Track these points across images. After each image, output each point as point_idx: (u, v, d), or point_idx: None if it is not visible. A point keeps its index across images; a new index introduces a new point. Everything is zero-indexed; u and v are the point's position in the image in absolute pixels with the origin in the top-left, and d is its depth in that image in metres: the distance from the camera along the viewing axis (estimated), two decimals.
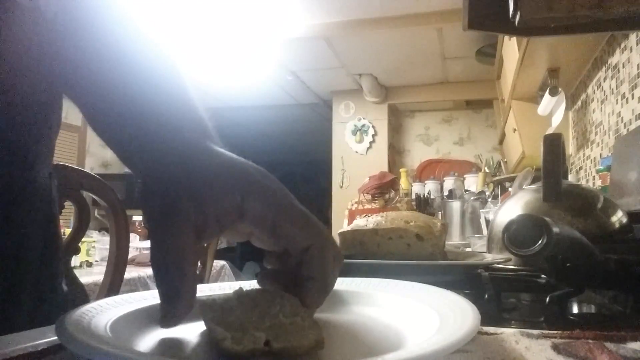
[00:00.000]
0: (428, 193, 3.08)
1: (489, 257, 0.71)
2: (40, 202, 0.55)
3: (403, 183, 3.33)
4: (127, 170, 4.67)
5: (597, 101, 1.84)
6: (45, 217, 0.57)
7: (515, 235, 0.45)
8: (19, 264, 0.53)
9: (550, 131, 2.00)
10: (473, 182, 3.32)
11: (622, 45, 1.53)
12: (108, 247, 1.39)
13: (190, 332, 0.34)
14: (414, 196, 3.17)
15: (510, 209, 0.83)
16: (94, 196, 1.24)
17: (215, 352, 0.29)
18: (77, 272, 1.28)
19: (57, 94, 0.56)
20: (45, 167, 0.56)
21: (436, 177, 3.70)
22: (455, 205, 2.72)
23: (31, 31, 0.49)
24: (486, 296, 0.49)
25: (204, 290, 0.42)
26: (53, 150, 0.58)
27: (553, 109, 2.03)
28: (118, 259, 1.36)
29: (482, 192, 2.78)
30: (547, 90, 1.91)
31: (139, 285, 1.94)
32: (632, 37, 1.44)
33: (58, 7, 0.48)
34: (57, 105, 0.57)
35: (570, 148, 2.28)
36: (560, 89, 1.90)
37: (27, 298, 0.53)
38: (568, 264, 0.49)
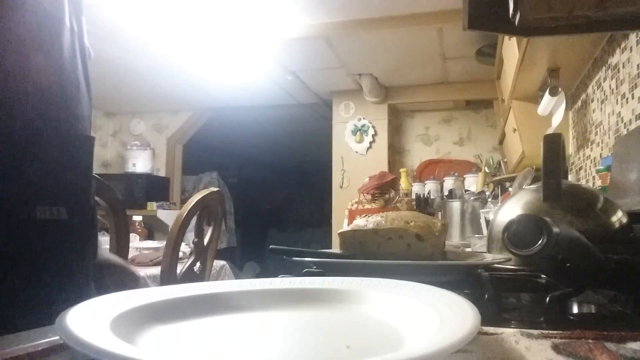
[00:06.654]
0: (428, 193, 3.07)
1: (489, 257, 0.71)
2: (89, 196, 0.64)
3: (403, 183, 3.33)
4: (127, 170, 4.63)
5: (597, 101, 1.84)
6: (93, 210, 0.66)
7: (515, 235, 0.45)
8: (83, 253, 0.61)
9: (550, 131, 2.00)
10: (473, 182, 3.32)
11: (622, 45, 1.53)
12: (108, 247, 1.39)
13: (191, 329, 0.34)
14: (414, 196, 3.16)
15: (510, 209, 0.83)
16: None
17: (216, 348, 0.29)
18: None
19: (79, 91, 0.61)
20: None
21: (436, 177, 3.70)
22: (455, 205, 2.72)
23: (34, 26, 0.52)
24: (486, 296, 0.49)
25: (205, 288, 0.43)
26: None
27: (553, 109, 2.03)
28: None
29: (482, 192, 2.78)
30: (547, 90, 1.91)
31: None
32: (632, 37, 1.44)
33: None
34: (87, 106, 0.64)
35: (570, 148, 2.28)
36: (560, 89, 1.90)
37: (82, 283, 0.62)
38: (568, 264, 0.49)
